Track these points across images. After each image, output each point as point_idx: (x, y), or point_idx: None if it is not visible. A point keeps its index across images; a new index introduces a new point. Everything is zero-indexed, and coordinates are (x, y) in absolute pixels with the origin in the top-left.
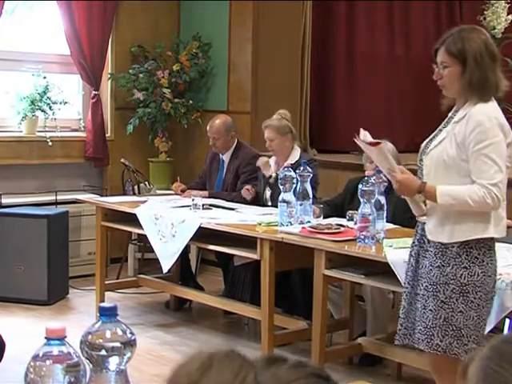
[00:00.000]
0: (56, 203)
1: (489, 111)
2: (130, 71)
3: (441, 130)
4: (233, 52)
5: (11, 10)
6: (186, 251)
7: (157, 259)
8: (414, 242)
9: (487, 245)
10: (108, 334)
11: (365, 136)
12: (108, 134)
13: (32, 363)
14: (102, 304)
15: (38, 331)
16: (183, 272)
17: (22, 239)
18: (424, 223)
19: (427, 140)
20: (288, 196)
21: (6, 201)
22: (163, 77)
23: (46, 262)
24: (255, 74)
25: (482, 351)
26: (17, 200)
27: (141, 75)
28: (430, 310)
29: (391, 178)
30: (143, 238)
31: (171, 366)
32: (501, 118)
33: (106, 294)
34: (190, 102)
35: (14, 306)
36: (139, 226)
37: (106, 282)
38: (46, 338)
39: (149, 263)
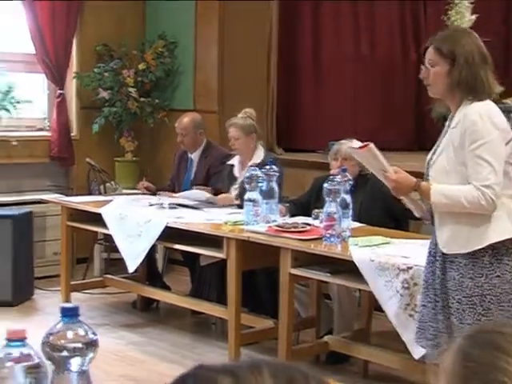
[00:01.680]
0: (21, 203)
1: (481, 110)
2: (96, 70)
3: (441, 141)
4: (199, 51)
5: None
6: (152, 251)
7: (123, 259)
8: (435, 252)
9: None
10: (70, 335)
11: (352, 143)
12: (73, 134)
13: None
14: (64, 304)
15: (1, 333)
16: (150, 272)
17: None
18: None
19: (430, 153)
20: (254, 195)
21: None
22: (129, 76)
23: (11, 263)
24: (221, 72)
25: (455, 342)
26: None
27: (106, 74)
28: (469, 323)
29: (384, 178)
30: (109, 238)
31: (138, 367)
32: (496, 116)
33: (72, 294)
34: (156, 101)
35: None
36: (105, 225)
37: (72, 283)
38: (6, 339)
39: (115, 263)
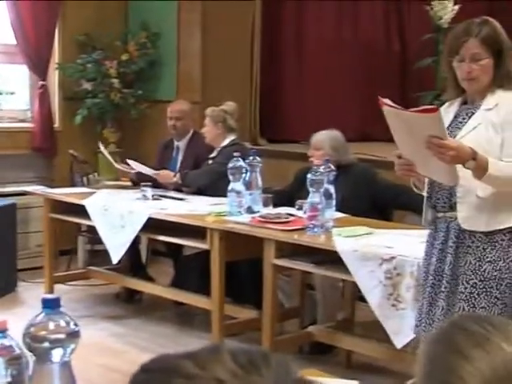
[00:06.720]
0: (4, 195)
1: None
2: (78, 61)
3: (461, 122)
4: (182, 41)
5: None
6: (135, 242)
7: (106, 251)
8: (447, 238)
9: None
10: (51, 326)
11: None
12: (56, 125)
13: None
14: (45, 296)
15: None
16: (133, 263)
17: None
18: (456, 219)
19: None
20: (237, 185)
21: None
22: (111, 67)
23: None
24: (204, 63)
25: (432, 334)
26: None
27: (89, 65)
28: (483, 307)
29: (440, 146)
30: (93, 230)
31: (120, 358)
32: None
33: (56, 286)
34: (139, 92)
35: None
36: (88, 217)
37: (55, 274)
38: None
39: (98, 255)
